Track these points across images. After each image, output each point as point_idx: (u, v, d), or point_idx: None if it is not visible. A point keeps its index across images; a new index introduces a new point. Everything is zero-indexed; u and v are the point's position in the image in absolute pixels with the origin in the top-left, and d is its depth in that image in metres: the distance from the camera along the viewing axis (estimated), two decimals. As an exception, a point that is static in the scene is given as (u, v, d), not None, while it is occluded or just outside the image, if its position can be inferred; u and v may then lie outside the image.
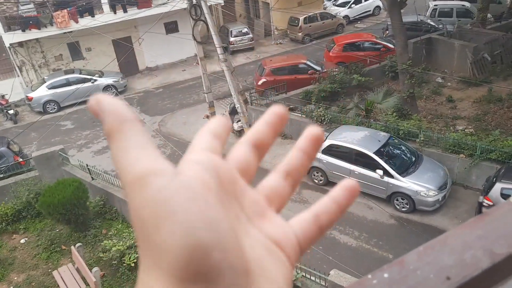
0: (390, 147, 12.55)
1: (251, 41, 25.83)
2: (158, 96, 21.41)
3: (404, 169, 11.87)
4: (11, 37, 20.18)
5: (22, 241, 12.19)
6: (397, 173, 11.66)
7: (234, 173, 0.46)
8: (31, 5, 20.64)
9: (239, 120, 16.32)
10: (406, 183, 11.54)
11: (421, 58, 18.45)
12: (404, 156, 12.44)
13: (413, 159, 12.27)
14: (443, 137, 12.77)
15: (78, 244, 11.01)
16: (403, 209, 11.77)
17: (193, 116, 18.72)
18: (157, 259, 0.37)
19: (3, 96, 20.68)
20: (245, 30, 25.89)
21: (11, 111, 19.95)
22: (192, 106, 19.89)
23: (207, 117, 17.49)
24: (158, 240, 0.37)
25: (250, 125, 16.27)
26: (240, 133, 16.48)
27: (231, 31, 25.59)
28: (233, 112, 17.05)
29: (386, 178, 11.72)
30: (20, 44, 21.13)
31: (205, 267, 0.36)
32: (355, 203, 12.16)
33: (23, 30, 20.14)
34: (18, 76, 21.75)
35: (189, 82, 22.63)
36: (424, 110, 16.52)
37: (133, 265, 10.41)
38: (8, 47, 20.81)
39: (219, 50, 15.55)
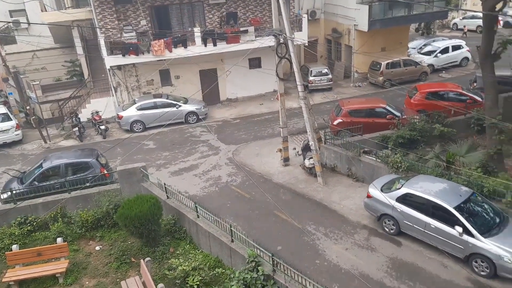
0: (472, 204, 11.75)
1: (330, 81, 26.10)
2: (234, 126, 22.17)
3: (487, 230, 11.00)
4: (112, 60, 22.30)
5: (97, 248, 12.98)
6: (478, 232, 10.85)
7: None
8: (133, 33, 22.74)
9: (311, 157, 16.34)
10: (488, 245, 10.66)
11: (512, 114, 17.32)
12: (487, 216, 11.56)
13: (497, 220, 11.36)
14: (533, 201, 11.72)
15: (147, 258, 11.48)
16: (482, 273, 10.84)
17: (266, 149, 19.07)
18: None
19: (97, 112, 22.69)
20: (325, 70, 26.26)
21: (102, 127, 21.77)
22: (266, 139, 20.31)
23: (280, 151, 17.75)
24: None
25: (321, 164, 16.24)
26: (311, 170, 16.46)
27: (311, 70, 26.10)
28: (306, 148, 17.14)
29: (465, 237, 10.94)
30: (119, 67, 23.25)
31: None
32: (429, 259, 11.48)
33: (123, 55, 22.16)
34: (113, 95, 23.80)
35: (265, 116, 23.22)
36: (511, 170, 15.36)
37: (195, 287, 10.61)
38: (108, 69, 22.98)
39: (299, 88, 15.92)
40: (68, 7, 26.45)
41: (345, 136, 16.93)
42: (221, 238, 11.57)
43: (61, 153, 16.83)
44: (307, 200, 14.90)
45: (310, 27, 26.46)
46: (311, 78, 25.71)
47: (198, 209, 12.44)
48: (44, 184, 14.76)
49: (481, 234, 10.84)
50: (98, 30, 22.77)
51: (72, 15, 23.38)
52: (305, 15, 25.22)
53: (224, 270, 11.19)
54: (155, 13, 23.95)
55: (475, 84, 21.66)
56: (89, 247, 13.07)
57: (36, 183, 14.87)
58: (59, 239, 12.35)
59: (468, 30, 36.99)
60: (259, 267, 10.03)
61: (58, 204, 13.76)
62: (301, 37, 24.14)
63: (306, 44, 25.58)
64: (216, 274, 11.05)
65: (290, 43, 15.43)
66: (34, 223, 13.40)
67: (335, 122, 18.55)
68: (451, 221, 11.23)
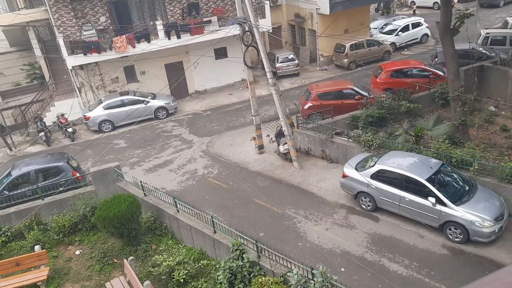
0: (442, 175, 12.23)
1: (296, 67, 26.27)
2: (206, 118, 22.05)
3: (458, 198, 11.51)
4: (74, 60, 21.61)
5: (77, 252, 12.75)
6: (450, 201, 11.33)
7: None
8: (93, 31, 22.08)
9: (285, 143, 16.51)
10: (460, 212, 11.17)
11: (473, 86, 18.05)
12: (457, 185, 12.08)
13: (467, 188, 11.89)
14: (499, 167, 12.32)
15: (131, 257, 11.39)
16: (456, 239, 11.36)
17: (240, 138, 19.11)
18: None
19: (63, 115, 22.03)
20: (291, 56, 26.40)
21: (69, 129, 21.18)
22: (238, 128, 20.32)
23: (254, 139, 17.83)
24: None
25: (296, 148, 16.45)
26: (286, 155, 16.64)
27: (277, 57, 26.18)
28: (279, 135, 17.29)
29: (438, 206, 11.41)
30: (81, 67, 22.57)
31: None
32: (406, 231, 11.90)
33: (85, 54, 21.52)
34: (77, 96, 23.13)
35: (236, 106, 23.19)
36: (476, 139, 16.04)
37: (182, 280, 10.64)
38: (70, 69, 22.27)
39: (268, 74, 15.99)
40: (22, 8, 25.37)
41: (316, 120, 17.18)
42: (203, 230, 11.59)
43: (30, 160, 16.31)
44: (285, 185, 15.10)
45: (272, 13, 26.45)
46: (278, 65, 25.79)
47: (178, 204, 12.40)
48: (15, 192, 14.33)
49: (453, 202, 11.33)
50: (56, 30, 21.98)
51: (27, 16, 22.46)
52: (267, 2, 25.18)
53: (209, 262, 11.24)
54: (114, 8, 23.32)
55: (436, 59, 22.34)
56: (68, 252, 12.82)
57: (6, 192, 14.41)
58: (36, 247, 12.05)
59: (424, 7, 37.93)
60: (244, 255, 10.14)
61: (32, 212, 13.39)
62: (265, 24, 24.12)
63: (270, 31, 25.58)
64: (202, 266, 11.09)
65: (255, 31, 15.43)
66: (8, 233, 13.00)
67: (306, 106, 18.77)
68: (424, 192, 11.67)
